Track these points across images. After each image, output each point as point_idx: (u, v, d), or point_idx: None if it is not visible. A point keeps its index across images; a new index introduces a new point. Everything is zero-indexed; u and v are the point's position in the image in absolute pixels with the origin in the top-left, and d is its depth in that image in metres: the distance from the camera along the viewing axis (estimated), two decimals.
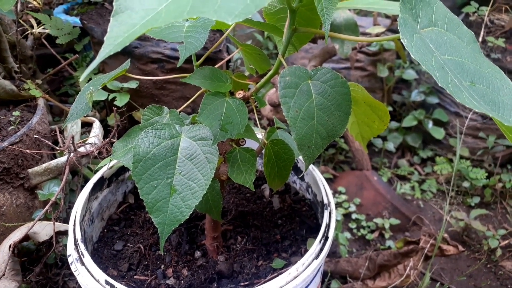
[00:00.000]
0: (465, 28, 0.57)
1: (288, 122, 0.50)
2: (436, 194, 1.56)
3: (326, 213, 0.75)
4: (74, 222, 0.75)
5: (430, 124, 1.64)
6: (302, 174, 0.60)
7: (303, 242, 0.83)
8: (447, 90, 0.43)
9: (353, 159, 1.46)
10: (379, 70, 1.61)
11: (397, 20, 0.46)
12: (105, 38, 0.35)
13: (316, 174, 0.84)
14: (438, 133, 1.62)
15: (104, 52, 0.35)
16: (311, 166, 0.87)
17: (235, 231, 0.87)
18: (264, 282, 0.68)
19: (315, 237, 0.81)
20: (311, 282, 0.70)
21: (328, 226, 0.73)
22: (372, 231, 1.36)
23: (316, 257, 0.69)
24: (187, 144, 0.60)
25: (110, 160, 0.84)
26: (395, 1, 1.01)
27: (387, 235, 1.34)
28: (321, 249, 0.70)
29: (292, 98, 0.51)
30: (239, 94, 0.66)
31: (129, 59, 0.74)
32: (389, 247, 1.31)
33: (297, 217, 0.88)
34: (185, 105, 0.70)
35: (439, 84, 0.43)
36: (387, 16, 1.75)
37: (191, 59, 1.36)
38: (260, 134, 0.77)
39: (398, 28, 0.46)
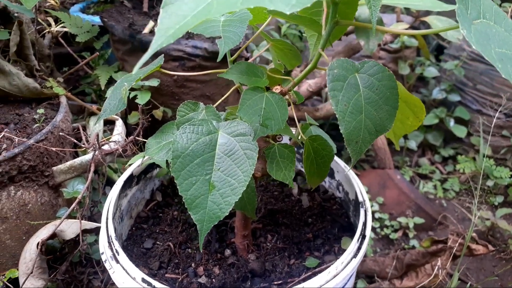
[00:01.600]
0: (511, 21, 0.55)
1: (337, 116, 0.49)
2: (459, 193, 1.54)
3: (362, 211, 0.74)
4: (107, 219, 0.74)
5: (451, 122, 1.62)
6: (349, 169, 0.58)
7: (335, 241, 0.81)
8: (511, 81, 0.41)
9: (375, 157, 1.44)
10: (400, 68, 1.59)
11: (455, 10, 0.45)
12: (156, 30, 0.34)
13: (349, 172, 0.83)
14: (460, 131, 1.60)
15: (157, 43, 0.34)
16: (343, 164, 0.86)
17: (265, 229, 0.86)
18: (303, 281, 0.67)
19: (349, 236, 0.80)
20: (348, 281, 0.69)
21: (365, 224, 0.72)
22: (395, 230, 1.34)
23: (355, 255, 0.67)
24: (225, 140, 0.59)
25: (144, 157, 0.83)
26: None
27: (411, 235, 1.32)
28: (359, 248, 0.69)
29: (341, 92, 0.50)
30: (276, 89, 0.64)
31: (162, 54, 0.73)
32: (414, 247, 1.29)
33: (328, 216, 0.87)
34: (222, 99, 0.68)
35: (503, 76, 0.42)
36: (407, 13, 1.73)
37: (211, 57, 1.35)
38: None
39: (457, 18, 0.44)
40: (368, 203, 0.75)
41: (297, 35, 1.95)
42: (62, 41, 1.63)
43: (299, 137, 0.68)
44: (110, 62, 1.67)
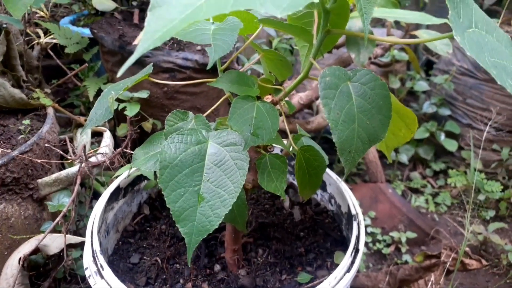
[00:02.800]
0: (502, 31, 0.55)
1: (329, 124, 0.48)
2: (451, 207, 1.53)
3: (355, 225, 0.72)
4: (92, 232, 0.72)
5: (442, 136, 1.62)
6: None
7: (328, 255, 0.79)
8: (507, 89, 0.40)
9: (366, 171, 1.43)
10: (390, 82, 1.59)
11: (448, 17, 0.44)
12: (142, 33, 0.33)
13: (341, 185, 0.82)
14: (451, 145, 1.60)
15: (143, 47, 0.32)
16: (336, 176, 0.84)
17: (256, 243, 0.83)
18: None
19: (342, 250, 0.78)
20: None
21: (358, 238, 0.70)
22: (388, 245, 1.32)
23: (348, 270, 0.65)
24: (215, 150, 0.57)
25: (130, 168, 0.81)
26: (411, 11, 0.99)
27: (403, 249, 1.30)
28: (353, 262, 0.67)
29: (333, 100, 0.48)
30: (268, 98, 0.63)
31: (152, 63, 0.72)
32: (406, 262, 1.27)
33: (320, 229, 0.85)
34: (211, 109, 0.67)
35: (498, 82, 0.41)
36: (397, 27, 1.74)
37: (201, 69, 1.34)
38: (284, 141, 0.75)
39: (450, 25, 0.44)
40: (361, 216, 0.74)
41: (288, 49, 1.96)
42: (51, 53, 1.61)
43: (291, 148, 0.66)
44: (99, 75, 1.65)
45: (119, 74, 0.37)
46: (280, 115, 0.66)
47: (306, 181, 0.62)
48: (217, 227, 0.55)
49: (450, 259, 1.06)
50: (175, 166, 0.56)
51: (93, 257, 0.68)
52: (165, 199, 0.55)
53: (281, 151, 0.86)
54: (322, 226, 0.86)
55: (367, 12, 0.52)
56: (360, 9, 0.52)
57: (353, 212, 0.75)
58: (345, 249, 0.80)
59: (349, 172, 0.51)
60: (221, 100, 0.68)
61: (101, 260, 0.66)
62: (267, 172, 0.60)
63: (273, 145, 0.65)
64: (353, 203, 0.76)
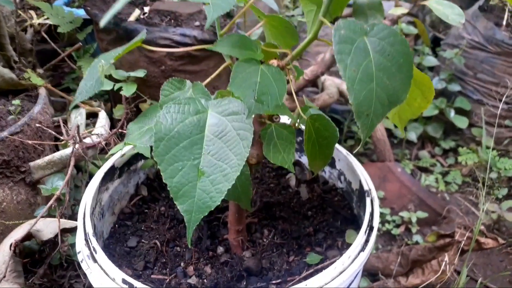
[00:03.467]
0: None
1: (346, 84, 0.42)
2: (462, 185, 1.48)
3: (368, 201, 0.67)
4: (84, 214, 0.67)
5: (452, 113, 1.56)
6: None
7: (339, 235, 0.74)
8: None
9: (374, 150, 1.38)
10: None
11: None
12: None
13: (352, 160, 0.76)
14: (462, 122, 1.54)
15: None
16: (346, 152, 0.78)
17: (261, 224, 0.78)
18: (304, 279, 0.60)
19: (353, 229, 0.73)
20: (355, 278, 0.62)
21: (372, 214, 0.65)
22: (397, 226, 1.27)
23: (362, 249, 0.60)
24: (215, 120, 0.51)
25: (125, 145, 0.76)
26: None
27: (414, 230, 1.25)
28: (367, 241, 0.62)
29: (349, 56, 0.43)
30: (273, 63, 0.57)
31: (145, 29, 0.66)
32: (417, 242, 1.22)
33: (329, 208, 0.79)
34: (211, 77, 0.61)
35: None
36: None
37: (201, 44, 1.27)
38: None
39: None
40: (374, 192, 0.68)
41: None
42: (46, 36, 1.55)
43: (298, 119, 0.61)
44: (95, 55, 1.59)
45: (102, 23, 0.32)
46: (287, 82, 0.60)
47: (316, 153, 0.57)
48: (219, 203, 0.49)
49: (465, 238, 1.01)
50: (171, 138, 0.51)
51: (86, 240, 0.63)
52: (161, 174, 0.50)
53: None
54: (331, 204, 0.80)
55: None
56: None
57: (365, 187, 0.69)
58: (356, 228, 0.75)
59: (367, 137, 0.45)
60: (222, 67, 0.62)
61: (94, 243, 0.61)
62: (273, 143, 0.55)
63: (279, 115, 0.59)
64: (365, 179, 0.71)
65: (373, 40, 0.45)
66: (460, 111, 1.58)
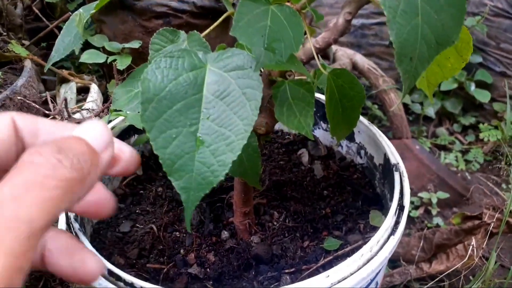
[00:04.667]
0: None
1: (385, 13, 0.32)
2: (483, 164, 1.37)
3: (396, 176, 0.57)
4: None
5: (472, 87, 1.45)
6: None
7: (360, 216, 0.65)
8: None
9: (390, 126, 1.27)
10: None
11: None
12: None
13: (375, 130, 0.66)
14: (483, 96, 1.43)
15: None
16: (366, 121, 0.69)
17: (270, 205, 0.69)
18: (323, 268, 0.51)
19: (378, 209, 0.64)
20: (382, 267, 0.53)
21: (401, 192, 0.55)
22: (416, 207, 1.18)
23: (392, 233, 0.51)
24: (216, 77, 0.42)
25: (111, 113, 0.66)
26: None
27: (434, 212, 1.16)
28: (397, 223, 0.52)
29: None
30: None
31: None
32: (438, 225, 1.13)
33: (348, 186, 0.70)
34: (210, 28, 0.51)
35: None
36: None
37: (200, 13, 1.17)
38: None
39: None
40: (403, 166, 0.59)
41: None
42: (37, 11, 1.45)
43: (316, 79, 0.51)
44: (87, 29, 1.49)
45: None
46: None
47: (339, 116, 0.47)
48: (222, 178, 0.40)
49: (494, 220, 0.92)
50: (162, 99, 0.41)
51: (67, 224, 0.53)
52: (151, 143, 0.40)
53: None
54: (349, 182, 0.71)
55: None
56: None
57: (393, 161, 0.59)
58: (381, 208, 0.65)
59: (410, 88, 0.35)
60: (223, 17, 0.52)
61: (76, 227, 0.52)
62: (287, 104, 0.45)
63: (293, 71, 0.49)
64: (392, 151, 0.61)
65: None
66: (481, 85, 1.46)
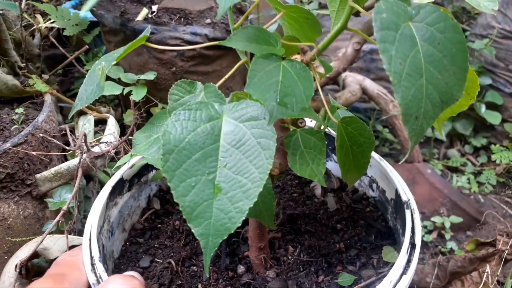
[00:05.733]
0: None
1: (391, 79, 0.34)
2: (496, 186, 1.37)
3: (407, 214, 0.58)
4: (90, 236, 0.60)
5: (483, 108, 1.46)
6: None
7: (373, 251, 0.66)
8: None
9: (401, 150, 1.29)
10: None
11: None
12: None
13: (385, 165, 0.68)
14: (494, 118, 1.44)
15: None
16: (378, 156, 0.70)
17: (285, 239, 0.71)
18: None
19: (390, 244, 0.65)
20: None
21: (413, 230, 0.56)
22: (429, 232, 1.18)
23: (404, 272, 0.52)
24: (231, 127, 0.44)
25: (132, 156, 0.69)
26: None
27: (447, 236, 1.16)
28: (409, 261, 0.53)
29: (393, 45, 0.35)
30: (296, 58, 0.50)
31: (149, 26, 0.59)
32: (452, 250, 1.13)
33: (360, 220, 0.71)
34: (225, 78, 0.54)
35: None
36: None
37: (214, 45, 1.21)
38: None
39: None
40: (414, 203, 0.60)
41: None
42: (54, 41, 1.51)
43: (326, 121, 0.53)
44: None
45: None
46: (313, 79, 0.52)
47: (350, 162, 0.49)
48: (239, 224, 0.42)
49: (508, 247, 0.92)
50: (182, 150, 0.43)
51: (92, 265, 0.56)
52: (172, 192, 0.43)
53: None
54: (362, 216, 0.72)
55: None
56: None
57: (404, 198, 0.61)
58: (393, 243, 0.66)
59: (416, 144, 0.37)
60: (237, 65, 0.55)
61: (100, 269, 0.54)
62: (299, 152, 0.47)
63: (304, 119, 0.51)
64: (403, 188, 0.63)
65: (420, 26, 0.37)
66: (491, 106, 1.47)
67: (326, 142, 0.49)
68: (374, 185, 0.73)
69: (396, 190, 0.64)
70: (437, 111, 0.37)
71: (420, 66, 0.36)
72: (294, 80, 0.44)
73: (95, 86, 0.56)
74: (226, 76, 0.56)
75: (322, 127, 0.56)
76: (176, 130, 0.44)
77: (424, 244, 1.16)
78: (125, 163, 0.71)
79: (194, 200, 0.43)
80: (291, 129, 0.50)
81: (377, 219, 0.71)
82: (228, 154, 0.44)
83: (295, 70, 0.45)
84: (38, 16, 1.50)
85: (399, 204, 0.63)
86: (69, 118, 1.03)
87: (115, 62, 0.55)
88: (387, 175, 0.67)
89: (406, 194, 0.61)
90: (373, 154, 0.70)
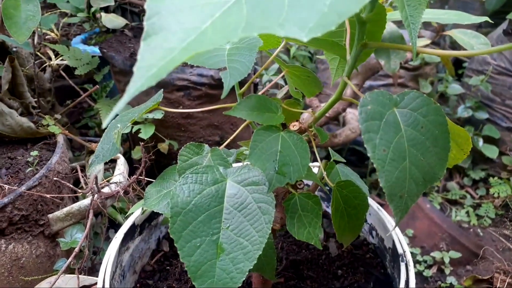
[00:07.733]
0: None
1: (375, 165, 0.38)
2: (495, 219, 1.40)
3: (402, 266, 0.62)
4: (103, 281, 0.64)
5: (480, 142, 1.49)
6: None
7: None
8: None
9: None
10: (421, 86, 1.48)
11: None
12: (135, 69, 0.24)
13: (383, 216, 0.71)
14: (491, 152, 1.47)
15: (135, 87, 0.24)
16: (376, 205, 0.74)
17: (287, 284, 0.74)
18: None
19: None
20: None
21: (407, 283, 0.60)
22: (429, 266, 1.21)
23: None
24: (234, 191, 0.48)
25: (143, 208, 0.73)
26: (445, 10, 0.89)
27: (447, 271, 1.18)
28: None
29: (377, 134, 0.39)
30: (294, 126, 0.54)
31: (162, 89, 0.64)
32: (452, 284, 1.15)
33: (360, 267, 0.75)
34: (230, 139, 0.58)
35: None
36: (425, 28, 1.63)
37: (218, 84, 1.26)
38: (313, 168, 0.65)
39: None
40: (409, 255, 0.64)
41: (307, 57, 1.86)
42: (64, 74, 1.56)
43: (323, 181, 0.57)
44: (113, 93, 1.59)
45: (105, 124, 0.30)
46: (310, 146, 0.57)
47: (345, 224, 0.53)
48: (240, 284, 0.46)
49: (505, 285, 0.95)
50: (188, 212, 0.48)
51: None
52: (178, 252, 0.47)
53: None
54: (362, 262, 0.76)
55: (415, 21, 0.43)
56: (405, 18, 0.43)
57: (399, 250, 0.64)
58: None
59: (402, 219, 0.41)
60: (241, 127, 0.59)
61: None
62: (297, 216, 0.51)
63: (303, 180, 0.56)
64: (399, 239, 0.66)
65: (404, 111, 0.42)
66: (488, 140, 1.51)
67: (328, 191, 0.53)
68: (374, 232, 0.77)
69: (393, 241, 0.67)
70: (420, 189, 0.41)
71: (403, 149, 0.40)
72: (291, 150, 0.49)
73: (111, 146, 0.61)
74: (231, 138, 0.60)
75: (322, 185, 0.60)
76: (183, 193, 0.48)
77: (424, 279, 1.18)
78: (137, 210, 0.75)
79: (199, 260, 0.47)
80: (290, 190, 0.54)
81: (376, 266, 0.75)
82: (231, 216, 0.48)
83: (292, 141, 0.49)
84: (50, 52, 1.57)
85: (395, 255, 0.66)
86: (87, 173, 1.07)
87: (129, 124, 0.60)
88: (385, 225, 0.70)
89: (402, 246, 0.65)
90: (373, 203, 0.74)
